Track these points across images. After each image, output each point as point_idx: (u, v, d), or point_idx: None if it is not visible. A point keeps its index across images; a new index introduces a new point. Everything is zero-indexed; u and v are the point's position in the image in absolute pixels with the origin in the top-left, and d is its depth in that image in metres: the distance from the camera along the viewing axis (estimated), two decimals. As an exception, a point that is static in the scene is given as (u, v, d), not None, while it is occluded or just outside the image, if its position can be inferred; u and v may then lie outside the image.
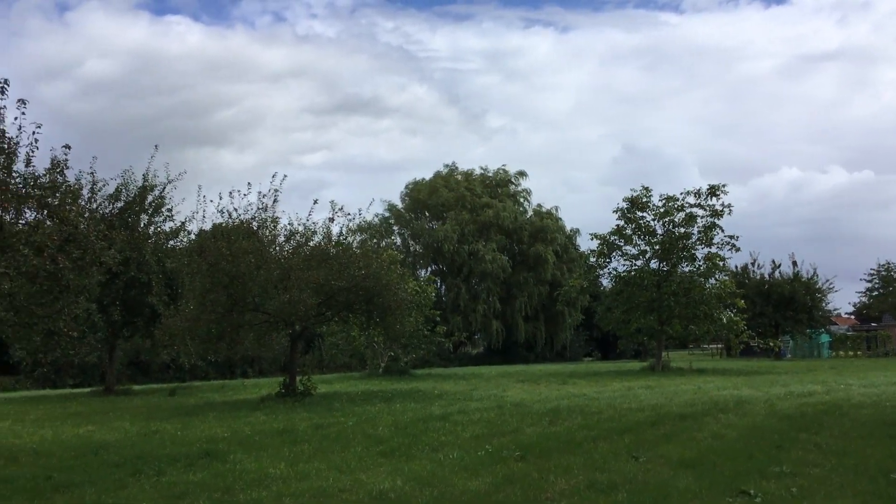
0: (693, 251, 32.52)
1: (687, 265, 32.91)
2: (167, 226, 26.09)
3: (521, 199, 63.42)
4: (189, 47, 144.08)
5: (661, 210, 32.30)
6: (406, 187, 61.78)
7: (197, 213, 21.55)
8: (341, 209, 20.76)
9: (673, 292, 31.67)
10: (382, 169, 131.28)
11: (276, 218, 20.32)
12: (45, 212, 12.95)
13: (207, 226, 21.00)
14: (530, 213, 62.32)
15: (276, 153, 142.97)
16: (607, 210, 32.67)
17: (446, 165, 63.49)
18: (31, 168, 12.68)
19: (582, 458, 9.46)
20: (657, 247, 32.54)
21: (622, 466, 8.97)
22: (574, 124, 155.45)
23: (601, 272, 35.12)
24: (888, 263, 73.14)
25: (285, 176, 20.71)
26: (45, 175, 12.95)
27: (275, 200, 20.22)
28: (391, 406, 17.20)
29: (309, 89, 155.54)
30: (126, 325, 26.09)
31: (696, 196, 32.14)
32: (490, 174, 63.33)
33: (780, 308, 50.28)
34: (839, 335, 56.62)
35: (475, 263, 56.21)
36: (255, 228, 19.83)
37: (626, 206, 32.68)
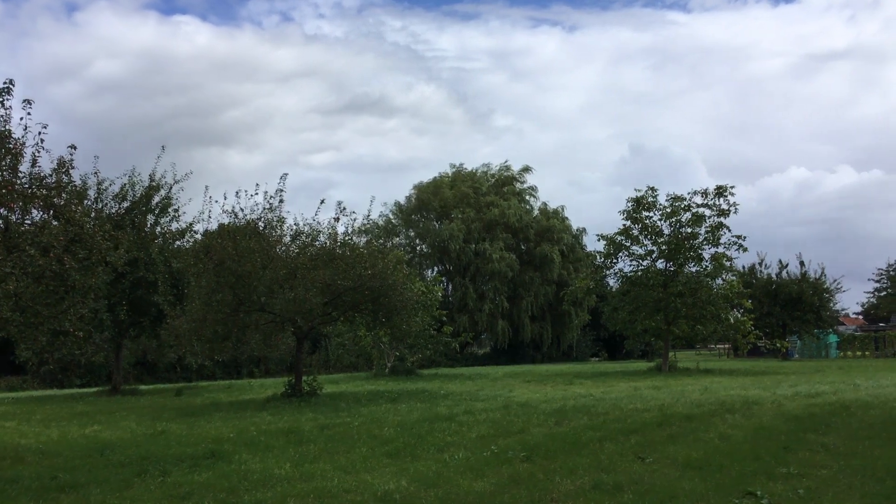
0: (700, 251, 32.42)
1: (694, 265, 32.82)
2: (174, 226, 26.14)
3: (527, 197, 63.33)
4: (197, 47, 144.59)
5: (668, 210, 32.22)
6: (413, 188, 61.88)
7: (203, 213, 21.57)
8: (344, 209, 20.76)
9: (679, 292, 31.58)
10: (390, 169, 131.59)
11: (283, 218, 20.33)
12: (51, 212, 12.97)
13: (214, 226, 21.04)
14: (536, 211, 62.25)
15: (284, 153, 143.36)
16: (615, 210, 32.65)
17: (453, 166, 63.59)
18: (36, 168, 12.69)
19: (588, 459, 9.43)
20: (664, 247, 32.46)
21: (628, 467, 8.94)
22: (581, 124, 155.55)
23: (608, 272, 35.08)
24: (896, 264, 72.95)
25: (287, 174, 20.75)
26: (50, 175, 12.96)
27: (281, 201, 20.24)
28: (397, 406, 17.19)
29: (317, 89, 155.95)
30: (132, 324, 26.14)
31: (703, 196, 32.06)
32: (494, 171, 63.27)
33: (788, 308, 50.15)
34: (847, 335, 56.45)
35: (481, 263, 56.17)
36: (261, 228, 19.83)
37: (631, 207, 32.61)
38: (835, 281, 52.81)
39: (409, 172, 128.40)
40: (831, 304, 53.19)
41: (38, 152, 12.68)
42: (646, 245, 33.05)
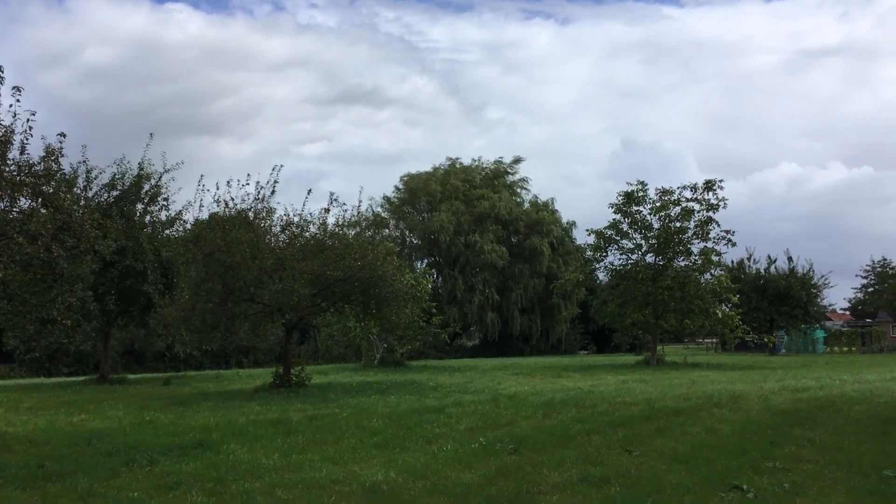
0: (689, 245, 32.53)
1: (683, 259, 32.94)
2: (163, 215, 26.02)
3: (518, 189, 63.37)
4: (189, 36, 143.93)
5: (657, 204, 32.31)
6: (402, 178, 61.73)
7: (194, 202, 21.51)
8: (336, 200, 20.73)
9: (668, 286, 31.69)
10: (382, 160, 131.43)
11: (272, 208, 20.27)
12: (40, 200, 12.91)
13: (204, 215, 20.95)
14: (527, 204, 62.28)
15: (276, 143, 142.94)
16: (606, 204, 32.75)
17: (449, 159, 63.46)
18: (25, 156, 12.63)
19: (575, 452, 9.46)
20: (653, 241, 32.55)
21: (615, 460, 8.97)
22: (574, 118, 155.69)
23: (597, 266, 35.15)
24: (883, 259, 73.29)
25: (282, 166, 20.72)
26: (39, 163, 12.90)
27: (272, 192, 20.17)
28: (386, 398, 17.20)
29: (310, 79, 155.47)
30: (121, 313, 26.04)
31: (692, 190, 32.15)
32: (486, 165, 63.25)
33: (776, 303, 50.44)
34: (834, 331, 56.82)
35: (472, 255, 56.18)
36: (251, 218, 19.77)
37: (621, 201, 32.67)
38: (822, 277, 53.19)
39: (401, 164, 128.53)
40: (819, 300, 53.55)
41: (27, 140, 12.63)
42: (635, 239, 33.15)
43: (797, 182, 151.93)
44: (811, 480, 7.89)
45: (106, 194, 24.56)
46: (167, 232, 25.98)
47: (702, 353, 53.49)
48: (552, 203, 62.43)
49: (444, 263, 58.16)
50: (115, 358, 37.38)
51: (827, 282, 53.53)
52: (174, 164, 25.86)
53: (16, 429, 13.00)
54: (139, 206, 25.40)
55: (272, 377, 21.01)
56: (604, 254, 34.09)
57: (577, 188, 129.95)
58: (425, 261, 59.29)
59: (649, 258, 33.08)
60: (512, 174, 63.53)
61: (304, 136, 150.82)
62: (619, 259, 33.85)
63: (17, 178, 12.37)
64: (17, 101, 12.51)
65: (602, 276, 36.30)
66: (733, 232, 32.46)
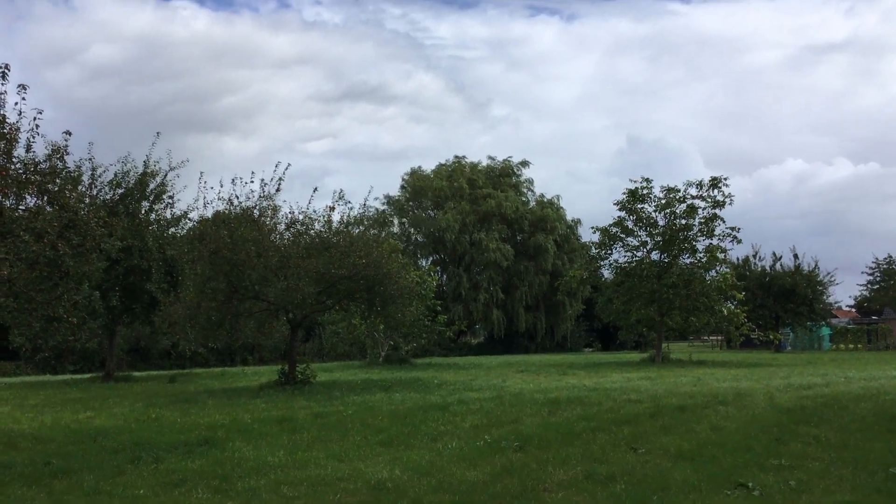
0: (694, 243, 32.50)
1: (688, 257, 32.91)
2: (168, 213, 26.05)
3: (524, 189, 63.29)
4: (195, 33, 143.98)
5: (663, 201, 32.27)
6: (405, 176, 61.59)
7: (198, 200, 21.48)
8: (342, 197, 20.74)
9: (673, 284, 31.67)
10: (387, 157, 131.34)
11: (277, 206, 20.28)
12: (46, 198, 12.92)
13: (209, 213, 20.98)
14: (532, 202, 62.21)
15: (281, 140, 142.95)
16: (611, 201, 32.74)
17: (456, 157, 63.31)
18: (31, 154, 12.64)
19: (580, 450, 9.46)
20: (658, 238, 32.52)
21: (621, 458, 8.97)
22: (578, 115, 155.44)
23: (602, 263, 35.15)
24: (889, 257, 73.12)
25: (289, 165, 20.72)
26: (45, 161, 12.91)
27: (277, 189, 20.18)
28: (391, 395, 17.20)
29: (315, 76, 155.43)
30: (126, 311, 26.08)
31: (697, 187, 32.11)
32: (493, 164, 63.19)
33: (781, 300, 50.34)
34: (840, 328, 56.67)
35: (477, 253, 56.15)
36: (256, 216, 19.78)
37: (626, 198, 32.63)
38: (828, 274, 53.09)
39: (406, 161, 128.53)
40: (824, 297, 53.43)
41: (33, 138, 12.64)
42: (640, 236, 33.12)
43: (803, 178, 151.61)
44: (817, 478, 7.88)
45: (111, 192, 24.58)
46: (172, 230, 26.01)
47: (707, 350, 53.40)
48: (557, 200, 62.37)
49: (449, 261, 58.14)
50: (121, 355, 37.40)
51: (832, 279, 53.47)
52: (179, 162, 25.88)
53: (22, 426, 13.03)
54: (144, 204, 25.42)
55: (277, 375, 21.04)
56: (609, 251, 34.08)
57: (582, 185, 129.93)
58: (430, 258, 59.25)
59: (654, 255, 33.07)
60: (518, 175, 63.45)
61: (310, 133, 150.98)
62: (625, 256, 33.88)
63: (23, 176, 12.38)
64: (23, 99, 12.53)
65: (607, 273, 36.29)
66: (738, 229, 32.47)
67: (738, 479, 7.77)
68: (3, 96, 12.27)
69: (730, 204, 31.92)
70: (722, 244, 32.45)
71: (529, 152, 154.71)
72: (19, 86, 12.50)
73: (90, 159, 23.67)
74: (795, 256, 52.80)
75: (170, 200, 25.89)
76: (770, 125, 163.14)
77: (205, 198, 20.83)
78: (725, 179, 31.93)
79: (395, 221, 59.51)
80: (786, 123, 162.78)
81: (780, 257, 53.19)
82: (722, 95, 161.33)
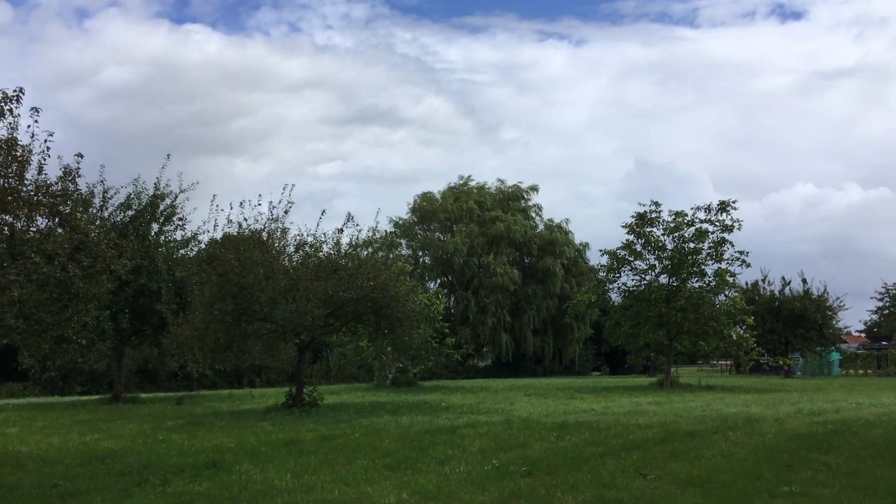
0: (703, 266, 32.42)
1: (696, 281, 32.81)
2: (178, 235, 26.15)
3: (533, 214, 63.42)
4: (207, 56, 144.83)
5: (671, 225, 32.24)
6: (415, 199, 61.76)
7: (208, 222, 21.57)
8: (351, 219, 20.80)
9: (682, 308, 31.55)
10: (396, 180, 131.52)
11: (286, 229, 20.35)
12: (57, 220, 12.99)
13: (218, 235, 21.06)
14: (541, 226, 62.29)
15: (291, 163, 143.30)
16: (620, 225, 32.74)
17: (461, 177, 63.53)
18: (43, 176, 12.73)
19: (589, 475, 9.41)
20: (667, 262, 32.45)
21: (630, 484, 8.91)
22: (587, 138, 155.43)
23: (610, 287, 35.06)
24: (899, 282, 72.71)
25: (293, 185, 20.78)
26: (56, 183, 13.00)
27: (286, 212, 20.26)
28: (398, 418, 17.15)
29: (326, 99, 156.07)
30: (134, 332, 26.12)
31: (706, 211, 32.08)
32: (503, 188, 63.36)
33: (790, 325, 50.11)
34: (849, 353, 56.34)
35: (485, 276, 56.16)
36: (264, 239, 19.85)
37: (634, 222, 32.62)
38: (837, 299, 52.83)
39: (415, 184, 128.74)
40: (834, 322, 53.14)
41: (45, 160, 12.73)
42: (648, 260, 33.06)
43: (813, 203, 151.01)
44: (828, 505, 7.81)
45: (122, 214, 24.71)
46: (182, 252, 26.10)
47: (716, 375, 53.12)
48: (566, 224, 62.50)
49: (457, 284, 58.14)
50: (129, 377, 37.43)
51: (842, 304, 53.21)
52: (189, 185, 26.01)
53: (29, 448, 13.04)
54: (154, 226, 25.53)
55: (284, 397, 20.99)
56: (617, 274, 34.01)
57: (590, 208, 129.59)
58: (438, 281, 59.28)
59: (663, 279, 32.97)
60: (527, 199, 63.59)
61: (320, 156, 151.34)
62: (633, 280, 33.76)
63: (35, 198, 12.46)
64: (36, 121, 12.64)
65: (615, 296, 36.18)
66: (747, 253, 32.40)
67: (749, 506, 7.71)
68: (16, 119, 12.38)
69: (738, 229, 31.90)
70: (731, 268, 32.39)
71: (538, 176, 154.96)
72: (32, 108, 12.62)
73: (101, 181, 23.83)
74: (804, 281, 52.64)
75: (180, 222, 26.01)
76: (780, 150, 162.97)
77: (215, 220, 20.95)
78: (734, 203, 31.95)
79: (403, 244, 59.63)
80: (795, 148, 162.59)
81: (790, 282, 53.05)
82: (731, 120, 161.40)
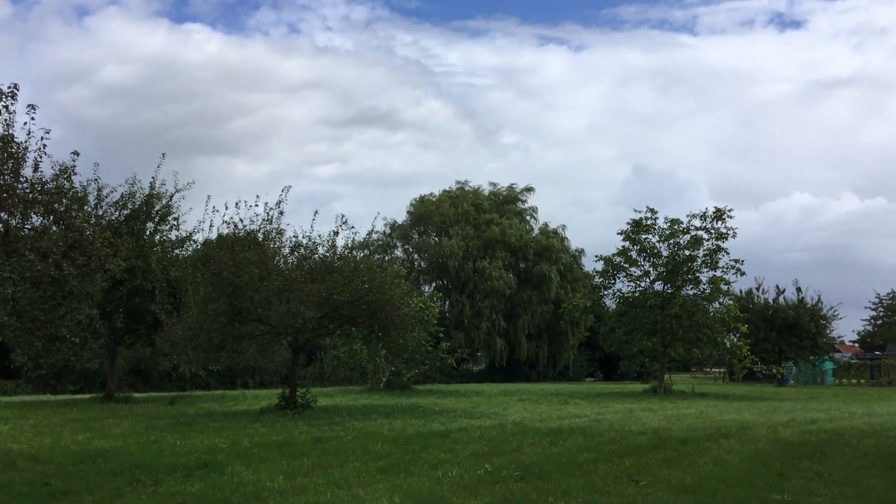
0: (697, 274, 32.47)
1: (691, 288, 32.86)
2: (173, 235, 26.12)
3: (528, 217, 63.44)
4: (207, 56, 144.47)
5: (667, 232, 32.29)
6: (411, 203, 61.75)
7: (203, 222, 21.56)
8: (345, 222, 20.78)
9: (676, 315, 31.58)
10: (394, 182, 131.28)
11: (282, 230, 20.33)
12: (52, 217, 12.97)
13: (213, 235, 21.04)
14: (536, 231, 62.31)
15: (290, 164, 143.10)
16: (617, 230, 32.80)
17: (458, 182, 63.57)
18: (38, 173, 12.71)
19: (582, 481, 9.40)
20: (662, 269, 32.50)
21: (622, 490, 8.91)
22: (586, 144, 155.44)
23: (605, 293, 35.10)
24: (892, 292, 72.97)
25: (290, 186, 20.75)
26: (52, 181, 12.98)
27: (281, 213, 20.24)
28: (391, 421, 17.14)
29: (325, 101, 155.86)
30: (128, 332, 26.06)
31: (701, 219, 32.15)
32: (498, 191, 63.43)
33: (784, 334, 50.18)
34: (843, 363, 56.43)
35: (480, 280, 56.15)
36: (259, 240, 19.83)
37: (630, 228, 32.67)
38: (832, 308, 52.93)
39: (414, 187, 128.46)
40: (828, 331, 53.24)
41: (41, 157, 12.72)
42: (644, 266, 33.10)
43: (810, 212, 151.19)
44: (820, 514, 7.81)
45: (116, 213, 24.67)
46: (176, 251, 26.06)
47: (709, 382, 53.14)
48: (562, 230, 62.54)
49: (452, 288, 58.10)
50: (121, 376, 37.29)
51: (836, 313, 53.32)
52: (185, 184, 25.99)
53: (21, 446, 12.99)
54: (149, 225, 25.50)
55: (278, 398, 20.97)
56: (612, 280, 34.05)
57: (588, 214, 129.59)
58: (433, 285, 59.24)
59: (658, 286, 33.02)
60: (523, 201, 63.66)
61: (318, 158, 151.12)
62: (628, 286, 33.82)
63: (30, 195, 12.44)
64: (32, 119, 12.63)
65: (610, 303, 36.21)
66: (742, 261, 32.51)
67: (741, 514, 7.71)
68: (11, 116, 12.37)
69: (733, 237, 31.98)
70: (725, 276, 32.45)
71: (537, 180, 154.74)
72: (29, 106, 12.61)
73: (95, 180, 23.79)
74: (799, 290, 52.75)
75: (175, 222, 25.99)
76: (777, 158, 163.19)
77: (210, 220, 20.93)
78: (730, 211, 32.03)
79: (399, 247, 59.58)
80: (793, 157, 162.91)
81: (784, 290, 53.17)
82: (730, 128, 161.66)
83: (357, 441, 13.31)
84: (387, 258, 24.97)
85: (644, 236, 32.64)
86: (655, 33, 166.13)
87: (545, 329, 59.02)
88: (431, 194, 61.85)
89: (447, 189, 62.68)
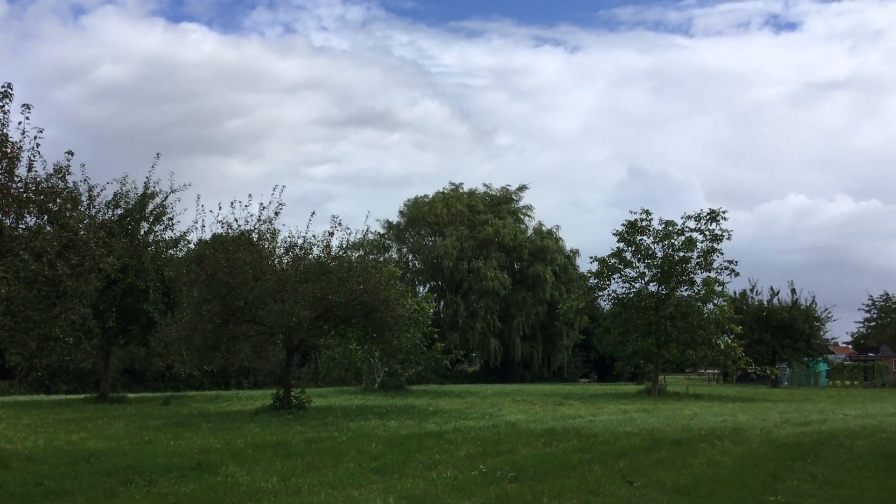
0: (692, 275, 32.52)
1: (685, 289, 32.91)
2: (167, 234, 26.08)
3: (523, 216, 63.50)
4: (203, 55, 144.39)
5: (661, 234, 32.33)
6: (405, 203, 61.73)
7: (197, 222, 21.49)
8: (340, 223, 20.78)
9: (671, 316, 31.62)
10: (390, 183, 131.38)
11: (276, 230, 20.31)
12: (46, 217, 12.94)
13: (207, 235, 21.01)
14: (531, 231, 62.37)
15: (286, 164, 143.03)
16: (611, 232, 32.88)
17: (452, 184, 63.63)
18: (32, 172, 12.68)
19: (576, 481, 9.41)
20: (656, 270, 32.53)
21: (616, 491, 8.92)
22: (581, 145, 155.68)
23: (600, 294, 35.12)
24: (886, 294, 73.06)
25: (284, 186, 20.73)
26: (46, 180, 12.95)
27: (276, 213, 20.22)
28: (386, 422, 17.13)
29: (322, 101, 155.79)
30: (122, 332, 26.02)
31: (695, 220, 32.19)
32: (491, 192, 63.47)
33: (778, 335, 50.30)
34: (836, 364, 56.58)
35: (474, 281, 56.18)
36: (254, 240, 19.81)
37: (625, 229, 32.70)
38: (826, 309, 53.07)
39: (409, 188, 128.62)
40: (822, 333, 53.37)
41: (35, 157, 12.69)
42: (638, 268, 33.14)
43: (804, 214, 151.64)
44: (813, 515, 7.83)
45: (110, 212, 24.61)
46: (171, 251, 26.01)
47: (703, 383, 53.24)
48: (556, 231, 62.63)
49: (447, 289, 58.13)
50: (115, 377, 37.29)
51: (830, 315, 53.47)
52: (181, 185, 25.94)
53: (15, 446, 12.96)
54: (143, 225, 25.45)
55: (272, 399, 20.95)
56: (607, 282, 34.07)
57: (584, 215, 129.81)
58: (428, 285, 59.25)
59: (652, 287, 33.05)
60: (517, 201, 63.72)
61: (314, 158, 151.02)
62: (623, 287, 33.85)
63: (24, 195, 12.41)
64: (27, 118, 12.60)
65: (605, 304, 36.25)
66: (736, 262, 32.56)
67: (734, 515, 7.72)
68: (6, 115, 12.33)
69: (727, 238, 32.03)
70: (720, 277, 32.49)
71: (533, 182, 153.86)
72: (23, 105, 12.58)
73: (85, 180, 23.69)
74: (793, 291, 52.87)
75: (169, 222, 25.94)
76: (772, 160, 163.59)
77: (202, 220, 20.88)
78: (724, 212, 32.07)
79: (394, 247, 59.58)
80: (788, 159, 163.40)
81: (778, 292, 53.32)
82: (725, 129, 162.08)
83: (351, 442, 13.30)
84: (381, 259, 24.96)
85: (639, 237, 32.66)
86: (651, 35, 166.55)
87: (540, 330, 59.08)
88: (425, 196, 61.90)
89: (440, 190, 62.75)
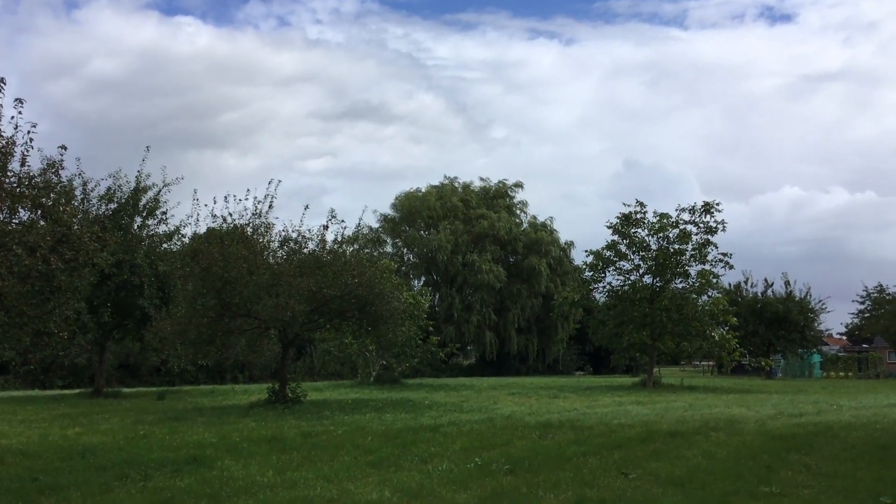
0: (687, 267, 32.57)
1: (680, 281, 32.96)
2: (161, 229, 26.03)
3: (518, 211, 63.53)
4: (197, 49, 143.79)
5: (656, 226, 32.35)
6: (397, 197, 61.58)
7: (192, 216, 21.45)
8: (334, 217, 20.74)
9: (665, 308, 31.68)
10: (385, 177, 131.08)
11: (271, 224, 20.27)
12: (39, 212, 12.91)
13: (202, 229, 20.96)
14: (525, 224, 62.37)
15: (280, 158, 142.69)
16: (605, 224, 32.91)
17: (447, 178, 63.57)
18: (26, 167, 12.64)
19: (571, 474, 9.42)
20: (651, 262, 32.57)
21: (612, 483, 8.93)
22: (576, 138, 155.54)
23: (595, 286, 35.16)
24: (879, 285, 73.27)
25: (280, 181, 20.65)
26: (39, 175, 12.91)
27: (270, 206, 20.19)
28: (381, 415, 17.14)
29: (316, 94, 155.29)
30: (116, 327, 25.98)
31: (690, 213, 32.21)
32: (487, 186, 63.46)
33: (773, 327, 50.42)
34: (830, 356, 56.76)
35: (469, 274, 56.20)
36: (249, 234, 19.78)
37: (619, 222, 32.72)
38: (820, 301, 53.19)
39: (404, 181, 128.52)
40: (816, 324, 53.53)
41: (28, 151, 12.64)
42: (633, 260, 33.17)
43: (799, 206, 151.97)
44: (807, 506, 7.85)
45: (103, 207, 24.55)
46: (165, 246, 25.98)
47: (698, 375, 53.38)
48: (551, 223, 62.62)
49: (442, 282, 58.14)
50: (110, 371, 37.20)
51: (824, 306, 53.61)
52: (174, 179, 25.90)
53: (9, 441, 12.94)
54: (137, 220, 25.40)
55: (267, 393, 20.94)
56: (602, 274, 34.10)
57: (578, 208, 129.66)
58: (422, 279, 59.24)
59: (647, 279, 33.09)
60: (512, 196, 63.73)
61: (309, 151, 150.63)
62: (617, 280, 33.87)
63: (17, 189, 12.37)
64: (20, 112, 12.55)
65: (600, 296, 36.29)
66: (731, 255, 32.60)
67: (729, 506, 7.74)
68: (-1, 109, 12.28)
69: (722, 230, 32.07)
70: (714, 269, 32.55)
71: (527, 174, 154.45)
72: (16, 99, 12.52)
73: (80, 174, 23.64)
74: (787, 283, 52.98)
75: (163, 216, 25.90)
76: (767, 152, 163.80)
77: (197, 214, 20.84)
78: (718, 205, 32.09)
79: (389, 241, 59.54)
80: (783, 151, 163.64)
81: (772, 284, 53.40)
82: (719, 122, 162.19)
83: (347, 435, 13.31)
84: (376, 252, 24.95)
85: (633, 230, 32.69)
86: (646, 27, 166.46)
87: (535, 322, 59.15)
88: (418, 189, 61.84)
89: (435, 184, 62.68)
